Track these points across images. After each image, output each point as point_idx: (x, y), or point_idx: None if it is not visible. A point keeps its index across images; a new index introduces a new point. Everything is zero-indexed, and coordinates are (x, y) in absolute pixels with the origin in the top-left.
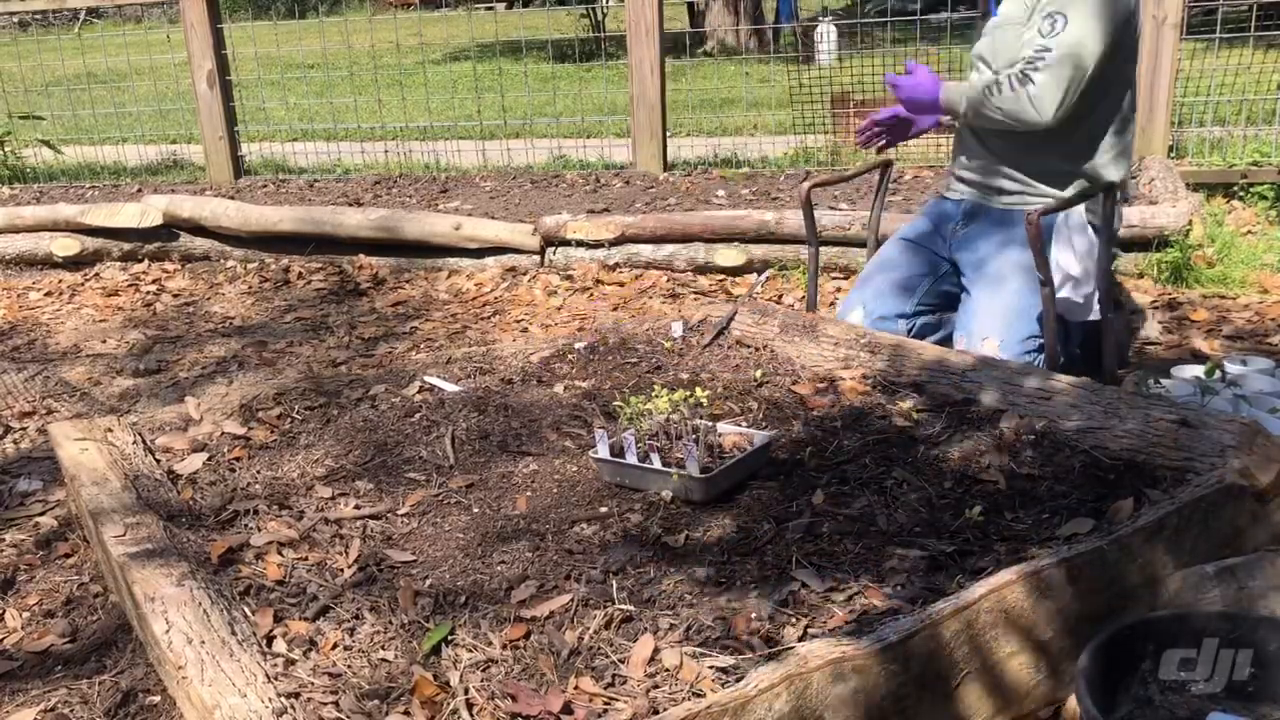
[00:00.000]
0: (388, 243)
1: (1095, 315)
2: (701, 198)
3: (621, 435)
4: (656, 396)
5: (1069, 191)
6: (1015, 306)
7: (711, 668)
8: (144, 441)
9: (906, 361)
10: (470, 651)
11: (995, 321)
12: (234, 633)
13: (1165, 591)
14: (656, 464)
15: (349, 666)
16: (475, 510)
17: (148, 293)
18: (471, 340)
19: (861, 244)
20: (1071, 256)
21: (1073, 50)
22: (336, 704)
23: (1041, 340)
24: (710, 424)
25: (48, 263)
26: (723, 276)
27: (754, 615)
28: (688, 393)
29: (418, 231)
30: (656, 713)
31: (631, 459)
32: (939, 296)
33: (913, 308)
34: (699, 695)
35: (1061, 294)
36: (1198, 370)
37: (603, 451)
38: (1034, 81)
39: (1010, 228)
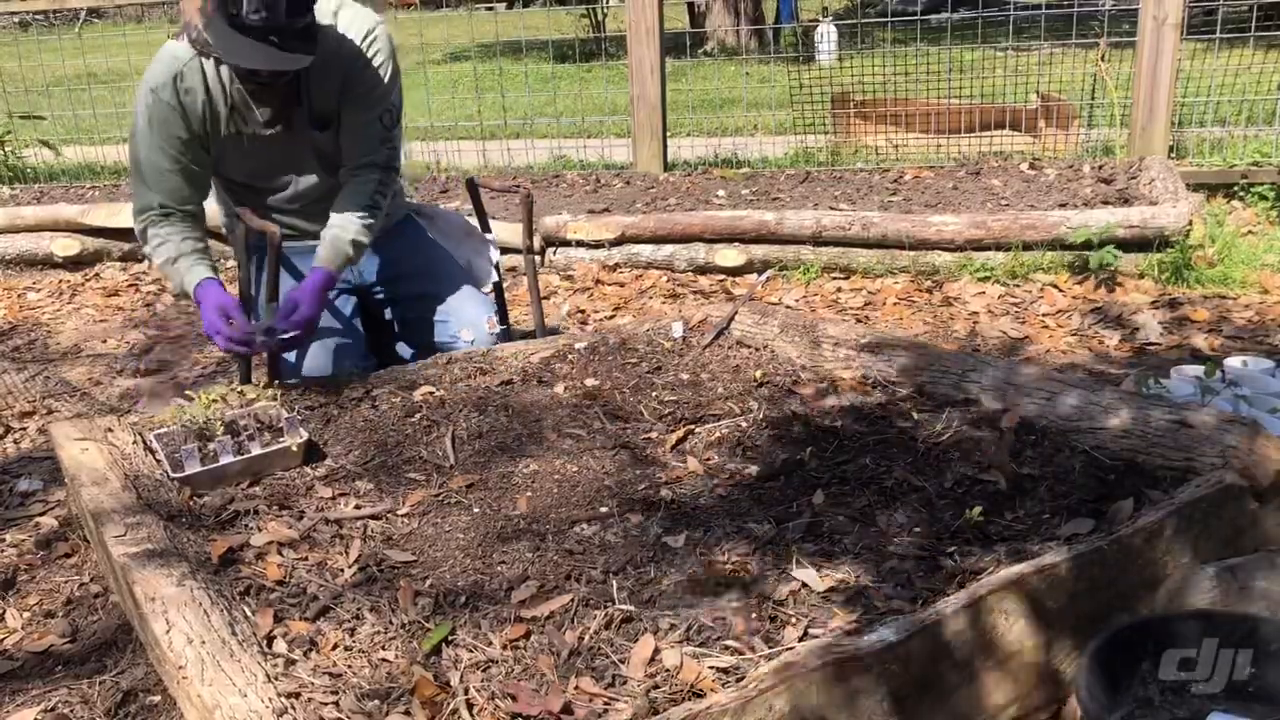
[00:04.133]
0: None
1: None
2: (701, 198)
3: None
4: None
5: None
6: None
7: (711, 668)
8: (144, 441)
9: (906, 361)
10: (470, 651)
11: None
12: (234, 633)
13: (1165, 591)
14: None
15: (349, 666)
16: (475, 510)
17: (148, 293)
18: None
19: (862, 244)
20: None
21: None
22: (337, 704)
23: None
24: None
25: (48, 263)
26: (723, 276)
27: (754, 615)
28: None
29: None
30: (656, 713)
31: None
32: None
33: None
34: (699, 695)
35: None
36: (1198, 370)
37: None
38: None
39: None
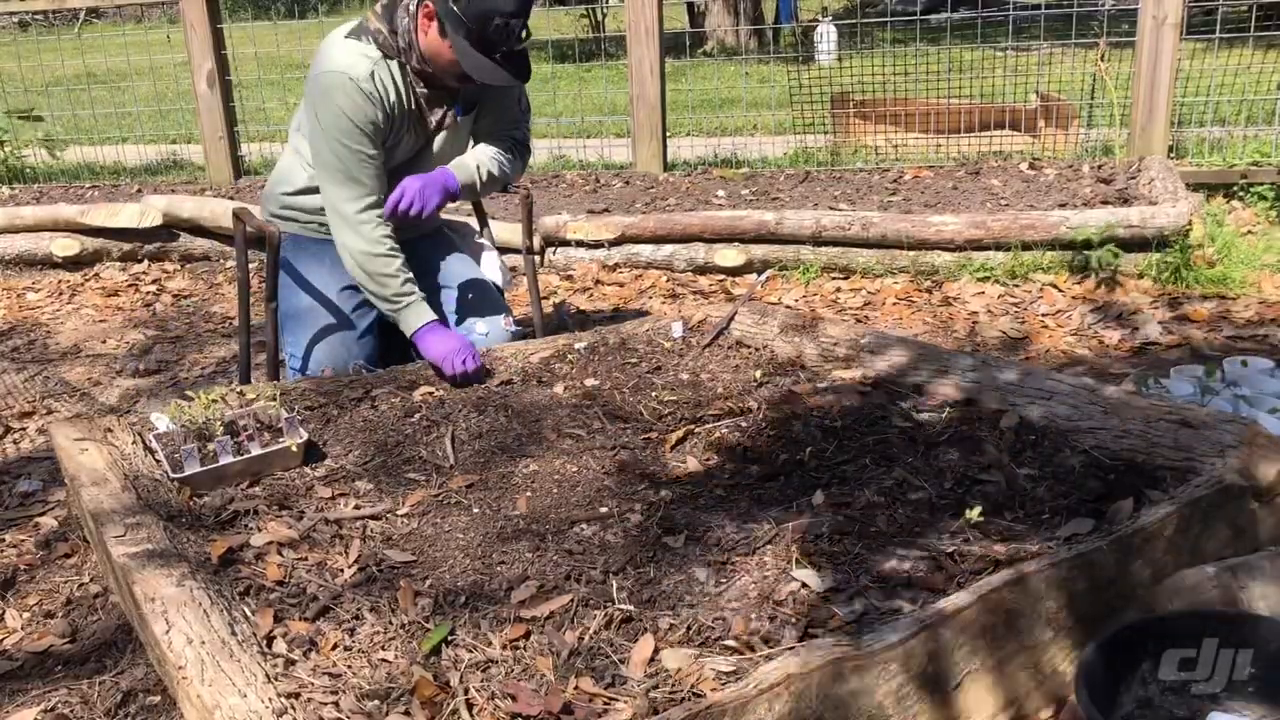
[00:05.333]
0: None
1: None
2: (701, 198)
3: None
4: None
5: None
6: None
7: (711, 668)
8: (144, 442)
9: (907, 361)
10: (470, 651)
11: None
12: (234, 633)
13: (1165, 591)
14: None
15: (349, 667)
16: (475, 510)
17: (148, 293)
18: None
19: (862, 244)
20: None
21: None
22: (336, 704)
23: None
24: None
25: (48, 263)
26: (723, 276)
27: (754, 615)
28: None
29: None
30: (656, 713)
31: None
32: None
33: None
34: (699, 695)
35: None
36: (1198, 370)
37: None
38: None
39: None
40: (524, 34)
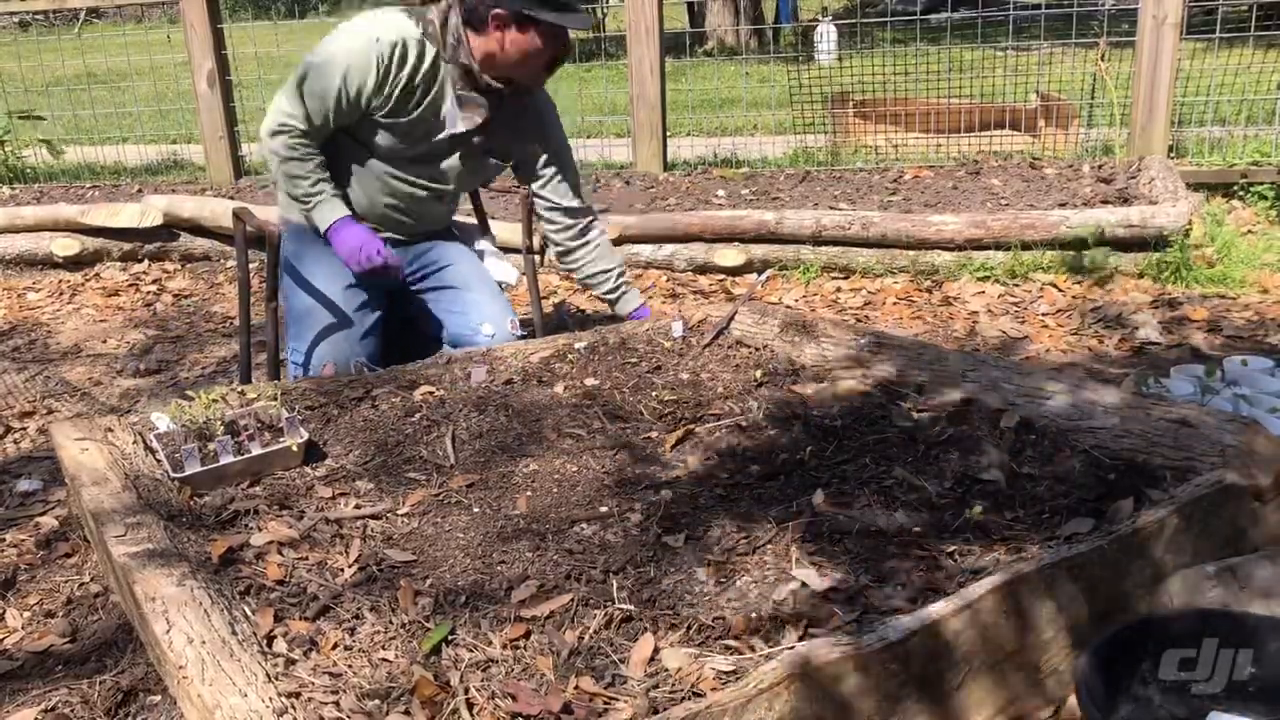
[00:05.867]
0: None
1: None
2: (701, 198)
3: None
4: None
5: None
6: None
7: (711, 668)
8: (144, 441)
9: (907, 361)
10: (470, 651)
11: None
12: (234, 632)
13: (1165, 591)
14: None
15: (349, 666)
16: (475, 510)
17: (148, 293)
18: None
19: (862, 244)
20: None
21: None
22: (337, 704)
23: None
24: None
25: (48, 263)
26: (723, 276)
27: (754, 615)
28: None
29: None
30: (656, 713)
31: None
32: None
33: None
34: (699, 695)
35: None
36: (1198, 370)
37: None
38: None
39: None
40: None
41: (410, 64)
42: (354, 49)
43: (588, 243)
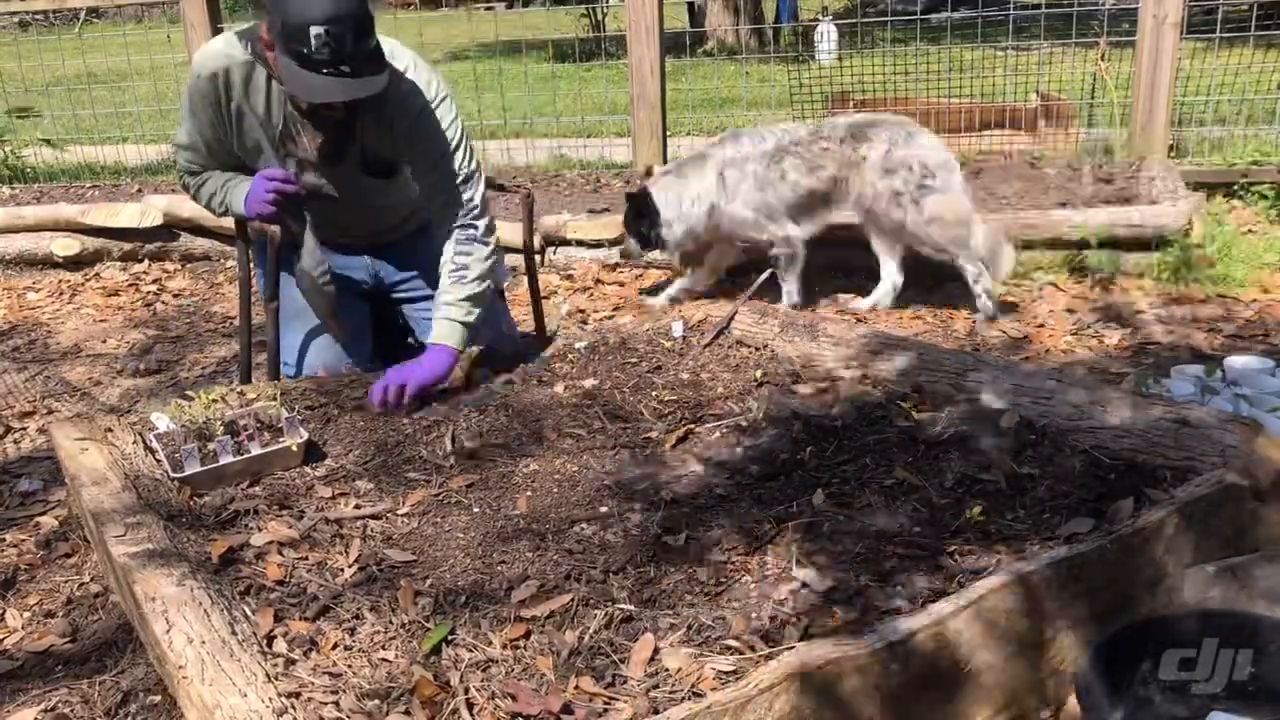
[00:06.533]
0: None
1: None
2: None
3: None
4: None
5: None
6: None
7: (711, 668)
8: (144, 441)
9: (907, 361)
10: (470, 651)
11: None
12: (234, 633)
13: (1165, 591)
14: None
15: (349, 666)
16: (475, 510)
17: (148, 293)
18: None
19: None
20: None
21: None
22: (337, 704)
23: None
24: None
25: (48, 263)
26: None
27: (754, 615)
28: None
29: None
30: (656, 713)
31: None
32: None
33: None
34: (699, 695)
35: None
36: (1198, 370)
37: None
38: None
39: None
40: (354, 43)
41: (236, 90)
42: (190, 89)
43: (448, 262)
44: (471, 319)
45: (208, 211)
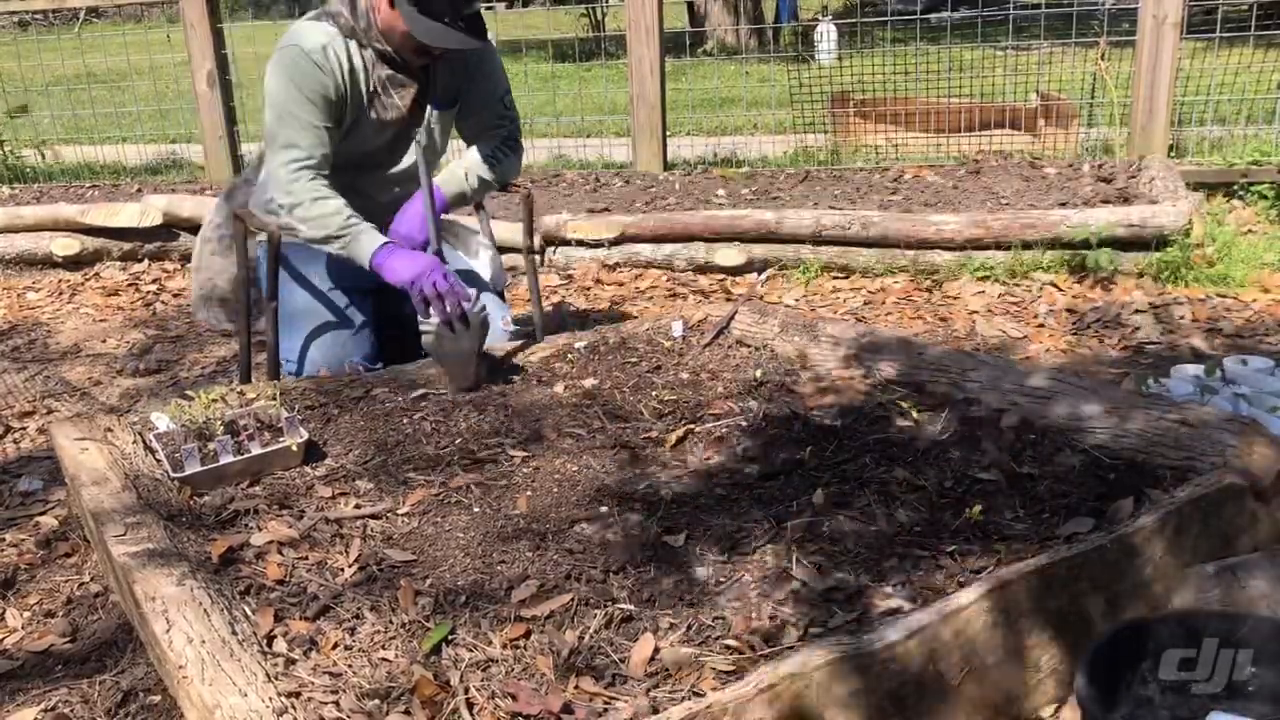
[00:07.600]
0: None
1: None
2: (701, 197)
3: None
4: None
5: None
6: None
7: (711, 668)
8: (144, 441)
9: (907, 361)
10: (470, 651)
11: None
12: (234, 632)
13: (1165, 591)
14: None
15: (349, 666)
16: (476, 510)
17: (148, 292)
18: None
19: (862, 243)
20: None
21: None
22: (337, 704)
23: None
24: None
25: (48, 262)
26: (723, 276)
27: (754, 615)
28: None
29: None
30: (656, 713)
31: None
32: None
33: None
34: (699, 695)
35: None
36: (1198, 370)
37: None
38: None
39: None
40: (469, 1)
41: (343, 66)
42: (293, 71)
43: (484, 147)
44: (468, 190)
45: (296, 226)
